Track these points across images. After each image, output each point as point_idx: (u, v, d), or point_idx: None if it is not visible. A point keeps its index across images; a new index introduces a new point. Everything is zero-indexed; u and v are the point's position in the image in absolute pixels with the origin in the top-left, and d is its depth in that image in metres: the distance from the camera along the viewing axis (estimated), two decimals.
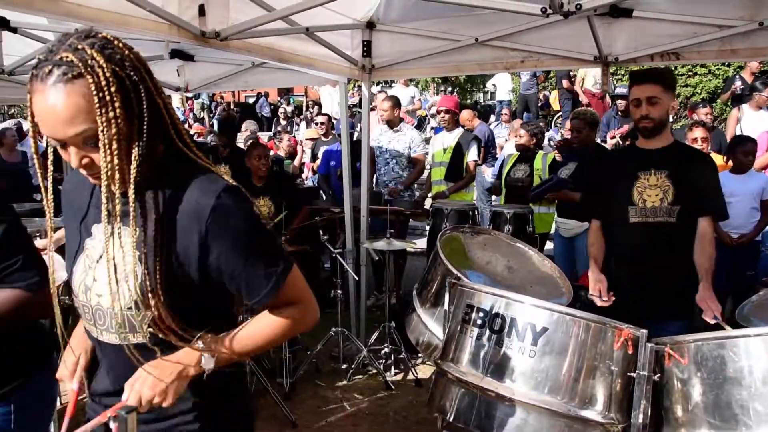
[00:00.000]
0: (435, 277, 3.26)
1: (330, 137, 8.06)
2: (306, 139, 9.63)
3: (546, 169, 5.79)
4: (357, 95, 14.25)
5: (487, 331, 2.35)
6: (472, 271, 3.44)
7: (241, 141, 9.33)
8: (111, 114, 1.27)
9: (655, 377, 2.08)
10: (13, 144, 8.95)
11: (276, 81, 6.13)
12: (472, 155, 6.36)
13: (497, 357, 2.28)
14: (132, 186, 1.33)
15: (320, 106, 15.39)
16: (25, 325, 1.99)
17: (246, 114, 18.13)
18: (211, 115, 18.58)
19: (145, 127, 1.34)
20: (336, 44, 4.40)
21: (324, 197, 7.33)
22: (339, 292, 4.80)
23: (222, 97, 20.90)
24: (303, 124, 15.80)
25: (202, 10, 3.24)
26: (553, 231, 5.85)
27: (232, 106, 19.91)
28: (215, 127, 7.96)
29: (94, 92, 1.26)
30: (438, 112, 6.74)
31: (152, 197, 1.40)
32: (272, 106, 19.66)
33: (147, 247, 1.38)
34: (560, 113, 13.91)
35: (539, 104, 14.87)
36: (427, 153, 6.84)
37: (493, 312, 2.35)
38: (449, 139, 6.43)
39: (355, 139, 7.20)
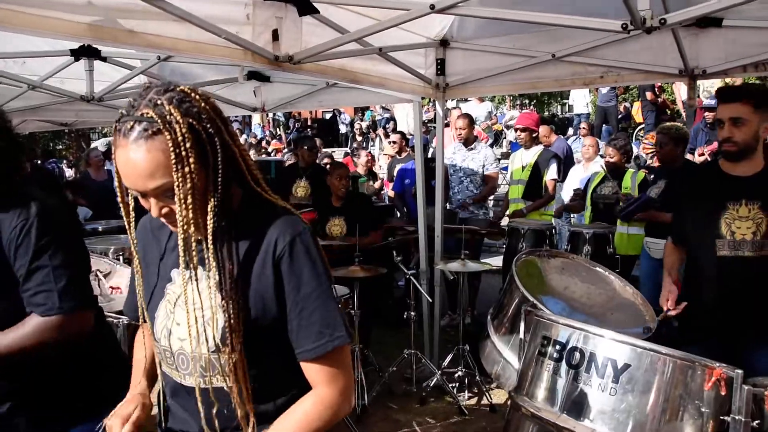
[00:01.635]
0: (510, 303, 3.16)
1: (404, 155, 8.04)
2: (384, 154, 9.65)
3: (636, 188, 5.54)
4: (432, 110, 14.21)
5: (564, 365, 2.23)
6: (548, 297, 3.31)
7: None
8: (186, 169, 1.31)
9: (754, 423, 1.90)
10: (100, 163, 9.39)
11: (350, 100, 6.15)
12: (551, 174, 6.20)
13: (575, 393, 2.16)
14: (210, 235, 1.38)
15: (395, 122, 15.44)
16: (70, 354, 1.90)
17: (323, 130, 18.43)
18: (288, 131, 18.94)
19: (220, 178, 1.37)
20: (409, 63, 4.36)
21: (398, 215, 7.31)
22: (412, 313, 4.73)
23: (299, 113, 21.32)
24: (378, 140, 15.87)
25: (275, 35, 3.26)
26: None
27: (309, 122, 20.25)
28: (293, 145, 8.10)
29: (171, 148, 1.29)
30: (515, 130, 6.61)
31: (230, 243, 1.43)
32: (350, 121, 19.90)
33: (226, 293, 1.40)
34: (642, 126, 13.43)
35: (619, 116, 14.41)
36: (500, 171, 6.72)
37: (571, 345, 2.24)
38: (528, 156, 6.29)
39: (429, 156, 7.14)
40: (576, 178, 7.15)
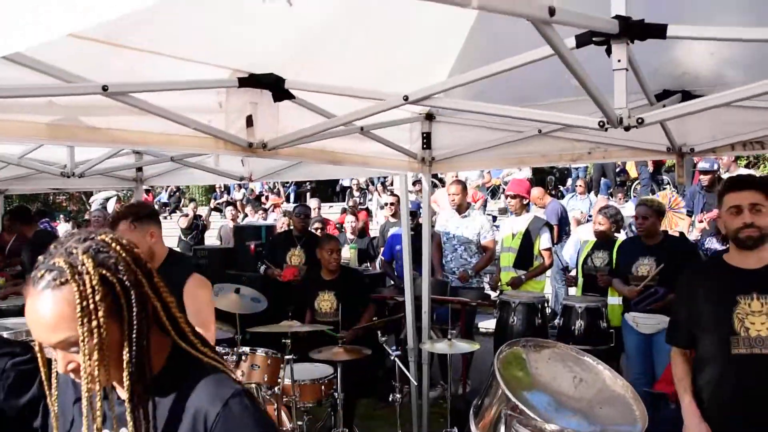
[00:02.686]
0: (493, 402, 3.00)
1: (398, 218, 7.95)
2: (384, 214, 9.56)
3: None
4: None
5: None
6: (534, 392, 3.16)
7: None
8: (94, 323, 1.22)
9: None
10: (99, 224, 9.33)
11: (338, 172, 6.10)
12: (545, 243, 6.10)
13: None
14: (127, 392, 1.28)
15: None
16: None
17: (322, 183, 18.41)
18: (287, 185, 18.92)
19: (134, 334, 1.27)
20: (393, 138, 4.28)
21: (389, 282, 7.19)
22: (398, 395, 4.55)
23: None
24: (375, 197, 15.83)
25: (249, 121, 3.20)
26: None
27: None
28: (292, 209, 8.03)
29: (78, 300, 1.21)
30: (506, 197, 6.55)
31: (154, 401, 1.33)
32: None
33: None
34: (638, 180, 13.41)
35: (617, 169, 14.37)
36: (495, 239, 6.62)
37: None
38: (519, 224, 6.20)
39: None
40: (576, 241, 7.04)
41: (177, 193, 20.59)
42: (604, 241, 5.70)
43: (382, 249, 7.57)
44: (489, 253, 6.36)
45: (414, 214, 6.39)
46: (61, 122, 2.45)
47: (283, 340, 4.18)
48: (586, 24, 1.87)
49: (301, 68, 3.16)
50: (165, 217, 18.51)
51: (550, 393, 3.22)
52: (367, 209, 13.94)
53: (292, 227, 7.16)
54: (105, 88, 2.43)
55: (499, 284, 6.38)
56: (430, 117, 4.56)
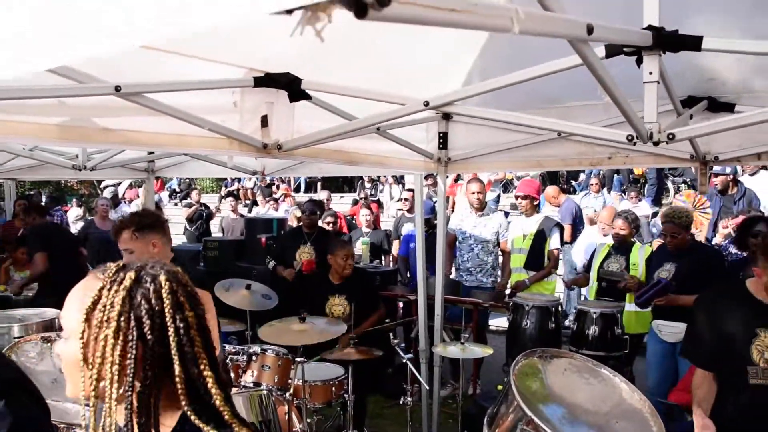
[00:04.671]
0: (507, 413, 2.94)
1: (414, 214, 7.86)
2: (398, 209, 9.48)
3: (643, 263, 5.33)
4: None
5: None
6: (549, 404, 3.10)
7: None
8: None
9: None
10: (105, 213, 9.32)
11: (353, 168, 6.02)
12: (554, 243, 6.02)
13: None
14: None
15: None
16: None
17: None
18: (298, 178, 18.82)
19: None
20: (409, 138, 4.20)
21: (400, 278, 7.13)
22: (409, 399, 4.49)
23: None
24: (387, 188, 15.74)
25: (264, 121, 3.13)
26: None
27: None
28: (301, 206, 7.95)
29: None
30: (516, 198, 6.46)
31: None
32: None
33: None
34: (646, 183, 13.31)
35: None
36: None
37: None
38: (529, 224, 6.12)
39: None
40: (586, 242, 6.96)
41: (188, 180, 20.55)
42: (621, 245, 5.60)
43: (396, 243, 7.49)
44: (507, 256, 6.30)
45: (428, 221, 6.28)
46: (72, 123, 2.39)
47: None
48: (622, 39, 1.79)
49: (315, 68, 3.08)
50: (175, 204, 18.52)
51: (566, 405, 3.16)
52: (378, 201, 13.85)
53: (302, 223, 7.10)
54: (118, 89, 2.36)
55: (508, 286, 6.32)
56: (447, 117, 4.46)
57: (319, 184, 19.11)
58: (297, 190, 18.40)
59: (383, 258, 8.06)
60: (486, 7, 0.92)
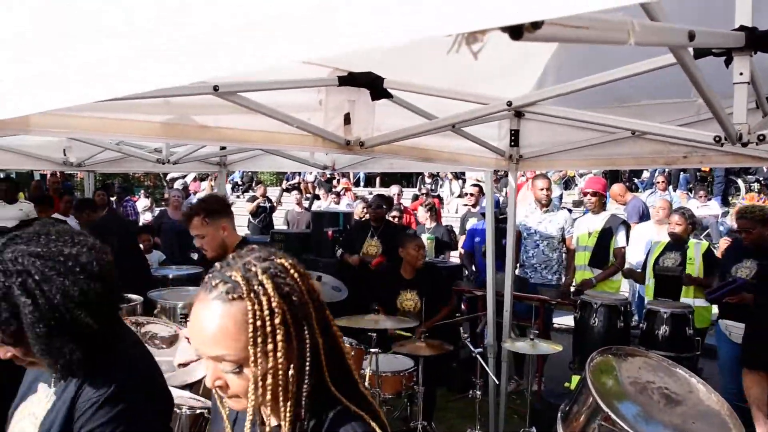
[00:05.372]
0: (582, 409, 2.98)
1: (478, 208, 7.89)
2: (463, 204, 9.48)
3: (699, 259, 5.29)
4: None
5: None
6: (624, 402, 3.11)
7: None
8: (269, 346, 1.20)
9: None
10: (177, 204, 9.62)
11: (422, 164, 6.09)
12: (620, 241, 5.98)
13: None
14: (287, 423, 1.26)
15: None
16: None
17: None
18: (357, 173, 19.03)
19: (308, 366, 1.26)
20: (481, 135, 4.25)
21: (466, 273, 7.17)
22: (478, 392, 4.55)
23: None
24: (447, 183, 15.75)
25: (347, 119, 3.23)
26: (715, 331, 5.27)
27: None
28: (369, 200, 8.08)
29: (251, 320, 1.19)
30: (584, 194, 6.41)
31: None
32: None
33: None
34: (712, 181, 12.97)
35: None
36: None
37: None
38: (595, 222, 6.09)
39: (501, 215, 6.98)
40: (642, 238, 6.85)
41: (250, 174, 20.99)
42: (677, 242, 5.56)
43: (462, 239, 7.53)
44: (572, 253, 6.29)
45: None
46: (174, 121, 2.54)
47: (369, 333, 4.23)
48: (720, 42, 1.80)
49: (394, 67, 3.16)
50: (238, 197, 18.93)
51: (641, 404, 3.16)
52: (438, 196, 13.89)
53: (368, 217, 7.22)
54: (216, 88, 2.50)
55: (573, 284, 6.30)
56: (519, 114, 4.49)
57: (377, 179, 19.27)
58: (357, 184, 18.59)
59: (449, 253, 8.12)
60: (609, 23, 0.98)
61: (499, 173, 12.83)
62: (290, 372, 1.24)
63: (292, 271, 1.28)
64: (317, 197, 15.71)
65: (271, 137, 2.91)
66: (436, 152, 3.95)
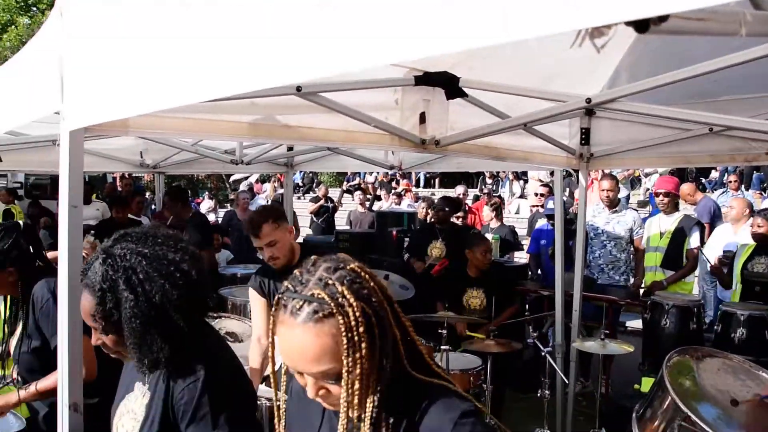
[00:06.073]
0: (659, 409, 2.95)
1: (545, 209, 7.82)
2: (531, 205, 9.43)
3: None
4: None
5: None
6: (703, 404, 3.06)
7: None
8: (357, 355, 1.25)
9: None
10: (245, 205, 9.90)
11: (490, 163, 6.08)
12: (694, 241, 5.84)
13: None
14: (368, 420, 1.31)
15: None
16: None
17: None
18: (418, 173, 19.08)
19: (387, 363, 1.31)
20: (551, 133, 4.23)
21: (531, 275, 7.13)
22: (547, 392, 4.53)
23: None
24: (508, 183, 15.64)
25: (422, 118, 3.28)
26: None
27: None
28: (434, 202, 8.11)
29: (344, 333, 1.24)
30: (656, 195, 6.29)
31: (388, 425, 1.36)
32: None
33: None
34: None
35: None
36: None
37: None
38: (667, 222, 5.96)
39: (570, 216, 6.90)
40: (721, 240, 6.67)
41: (310, 174, 21.30)
42: (764, 244, 5.37)
43: (528, 239, 7.50)
44: (641, 254, 6.18)
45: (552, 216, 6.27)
46: (260, 121, 2.63)
47: (439, 330, 4.27)
48: None
49: (465, 65, 3.19)
50: (299, 198, 19.22)
51: (721, 407, 3.10)
52: (499, 197, 13.81)
53: (433, 219, 7.24)
54: (299, 89, 2.58)
55: (642, 285, 6.18)
56: (590, 112, 4.45)
57: (437, 180, 19.28)
58: (417, 185, 18.65)
59: (514, 253, 8.08)
60: (724, 15, 1.00)
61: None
62: (376, 370, 1.30)
63: (363, 273, 1.32)
64: (378, 198, 15.82)
65: (350, 136, 2.98)
66: (507, 151, 3.95)
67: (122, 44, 1.73)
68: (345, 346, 1.24)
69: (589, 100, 2.68)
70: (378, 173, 18.86)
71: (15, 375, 2.86)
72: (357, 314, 1.25)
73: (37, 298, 2.70)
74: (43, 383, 2.66)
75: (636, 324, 6.48)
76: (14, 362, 2.85)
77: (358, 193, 11.37)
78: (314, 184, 18.95)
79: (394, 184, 17.12)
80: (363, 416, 1.31)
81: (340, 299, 1.25)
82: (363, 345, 1.25)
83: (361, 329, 1.25)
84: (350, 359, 1.24)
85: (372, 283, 1.32)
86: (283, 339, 1.30)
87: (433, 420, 1.34)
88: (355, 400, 1.27)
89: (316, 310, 1.25)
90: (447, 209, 6.94)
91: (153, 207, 11.79)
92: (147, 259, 1.68)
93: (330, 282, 1.27)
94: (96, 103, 1.84)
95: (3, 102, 2.73)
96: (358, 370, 1.25)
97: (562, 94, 2.94)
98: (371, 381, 1.30)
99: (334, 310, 1.24)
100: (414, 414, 1.37)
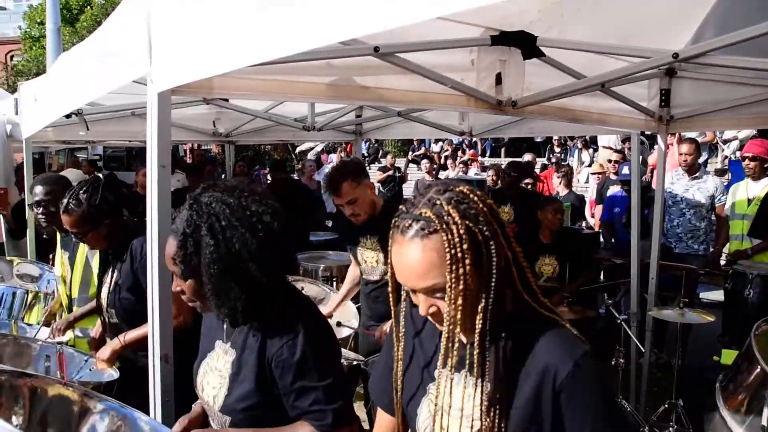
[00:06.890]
0: (747, 379, 2.85)
1: (617, 177, 7.63)
2: (592, 174, 9.23)
3: None
4: None
5: None
6: None
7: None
8: (461, 271, 1.29)
9: None
10: (312, 173, 10.08)
11: (562, 128, 5.93)
12: None
13: None
14: (477, 337, 1.35)
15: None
16: None
17: (516, 138, 18.10)
18: (485, 139, 18.84)
19: (493, 282, 1.34)
20: (629, 95, 4.08)
21: (603, 243, 6.98)
22: (621, 361, 4.45)
23: None
24: (576, 152, 15.28)
25: (499, 79, 3.21)
26: None
27: None
28: (504, 166, 8.01)
29: (447, 249, 1.29)
30: (743, 159, 6.00)
31: (499, 348, 1.38)
32: None
33: (489, 399, 1.36)
34: None
35: None
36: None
37: None
38: (756, 188, 5.68)
39: (643, 183, 6.69)
40: None
41: (376, 144, 21.33)
42: None
43: (599, 208, 7.32)
44: (723, 222, 5.94)
45: (626, 182, 6.07)
46: (338, 83, 2.63)
47: None
48: None
49: (543, 24, 3.10)
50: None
51: None
52: (568, 165, 13.51)
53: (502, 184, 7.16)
54: (377, 49, 2.57)
55: (725, 254, 5.95)
56: (670, 72, 4.27)
57: (503, 150, 19.00)
58: (482, 154, 18.43)
59: (584, 221, 7.93)
60: None
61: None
62: (483, 288, 1.34)
63: (471, 195, 1.36)
64: (444, 167, 15.73)
65: (426, 97, 2.95)
66: (583, 113, 3.85)
67: (207, 3, 1.75)
68: (448, 262, 1.28)
69: (676, 55, 2.57)
70: (444, 143, 18.73)
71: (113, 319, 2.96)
72: (461, 231, 1.29)
73: (136, 250, 2.81)
74: (131, 334, 2.77)
75: (712, 296, 6.24)
76: (109, 308, 2.96)
77: (425, 161, 11.33)
78: (380, 155, 18.96)
79: (459, 153, 16.97)
80: (474, 332, 1.35)
81: (445, 217, 1.30)
82: (467, 261, 1.29)
83: (465, 246, 1.29)
84: (453, 275, 1.29)
85: (481, 205, 1.35)
86: (395, 256, 1.37)
87: (553, 356, 1.36)
88: (458, 315, 1.32)
89: (423, 227, 1.31)
90: (515, 174, 6.85)
91: (224, 176, 12.07)
92: (231, 208, 1.72)
93: (438, 202, 1.33)
94: (183, 64, 1.88)
95: (90, 70, 2.83)
96: (461, 286, 1.30)
97: (645, 49, 2.82)
98: (479, 298, 1.33)
99: (439, 227, 1.30)
100: (528, 342, 1.39)
